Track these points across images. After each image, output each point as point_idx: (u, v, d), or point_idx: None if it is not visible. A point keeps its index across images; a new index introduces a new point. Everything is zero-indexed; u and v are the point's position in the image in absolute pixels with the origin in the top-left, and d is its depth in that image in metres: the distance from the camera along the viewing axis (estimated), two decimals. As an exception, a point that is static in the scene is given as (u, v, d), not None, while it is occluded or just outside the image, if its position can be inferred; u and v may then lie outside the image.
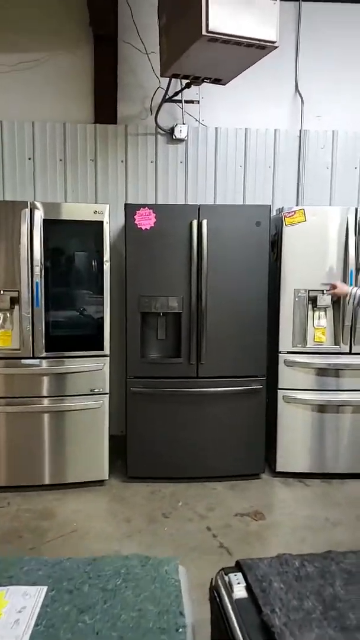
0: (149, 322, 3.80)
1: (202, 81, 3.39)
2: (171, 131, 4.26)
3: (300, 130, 4.40)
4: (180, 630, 1.17)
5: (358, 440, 3.81)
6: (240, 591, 1.29)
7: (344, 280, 3.67)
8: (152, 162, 4.32)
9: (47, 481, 3.66)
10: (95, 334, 3.62)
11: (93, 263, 3.66)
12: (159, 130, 4.27)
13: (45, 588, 1.31)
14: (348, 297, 3.35)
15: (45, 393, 3.59)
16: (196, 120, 4.35)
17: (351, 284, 3.64)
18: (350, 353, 3.73)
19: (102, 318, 3.61)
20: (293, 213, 3.67)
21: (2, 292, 3.46)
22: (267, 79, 4.28)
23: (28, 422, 3.59)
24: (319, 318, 3.75)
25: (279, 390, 3.80)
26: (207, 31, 2.61)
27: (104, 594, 1.29)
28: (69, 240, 3.71)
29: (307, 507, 3.43)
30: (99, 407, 3.66)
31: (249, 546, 3.04)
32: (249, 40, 2.72)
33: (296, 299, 3.71)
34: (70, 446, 3.66)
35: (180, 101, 4.24)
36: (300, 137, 4.40)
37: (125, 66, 4.27)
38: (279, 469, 3.87)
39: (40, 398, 3.59)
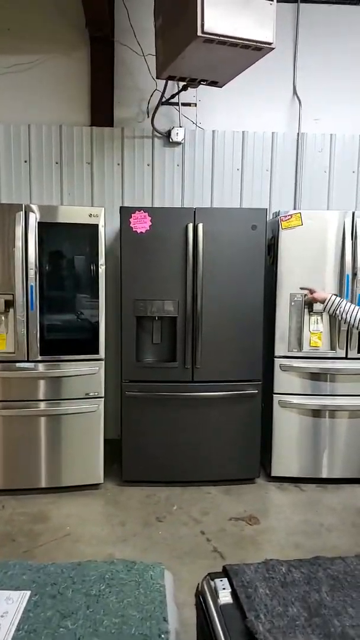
0: (145, 326, 3.78)
1: (199, 83, 3.39)
2: (168, 134, 4.26)
3: (298, 134, 4.40)
4: (163, 636, 1.16)
5: (354, 445, 3.79)
6: (225, 597, 1.28)
7: (340, 284, 3.66)
8: (148, 165, 4.31)
9: (42, 485, 3.64)
10: (91, 337, 3.61)
11: (88, 266, 3.65)
12: (156, 133, 4.27)
13: (28, 593, 1.30)
14: (326, 303, 3.13)
15: (40, 397, 3.58)
16: (193, 123, 4.35)
17: (347, 289, 3.63)
18: (346, 358, 3.72)
19: (97, 322, 3.60)
20: (289, 217, 3.66)
21: (-4, 295, 3.46)
22: (264, 82, 4.28)
23: (23, 425, 3.57)
24: (315, 322, 3.74)
25: (274, 395, 3.78)
26: (203, 32, 2.60)
27: (87, 599, 1.28)
28: (64, 244, 3.70)
29: (302, 512, 3.41)
30: (94, 411, 3.64)
31: (243, 551, 3.02)
32: (245, 42, 2.71)
33: (292, 303, 3.70)
34: (66, 450, 3.64)
35: (177, 104, 4.24)
36: (297, 140, 4.40)
37: (122, 68, 4.27)
38: (274, 473, 3.85)
39: (35, 402, 3.57)
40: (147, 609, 1.24)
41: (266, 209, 3.75)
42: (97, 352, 3.61)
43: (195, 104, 4.32)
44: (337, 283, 3.68)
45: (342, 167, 4.42)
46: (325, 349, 3.75)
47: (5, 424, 3.55)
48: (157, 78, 3.38)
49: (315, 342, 3.73)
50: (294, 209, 4.34)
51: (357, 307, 2.99)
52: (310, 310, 3.71)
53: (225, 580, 1.33)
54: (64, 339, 3.65)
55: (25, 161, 4.20)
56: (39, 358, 3.52)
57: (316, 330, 3.74)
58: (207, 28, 2.58)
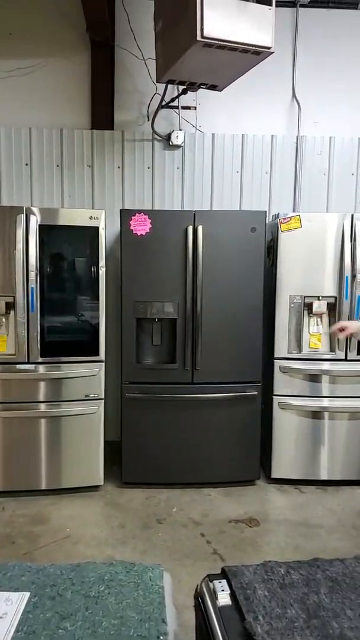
0: (145, 328, 3.79)
1: (198, 87, 3.41)
2: (168, 137, 4.28)
3: (297, 137, 4.41)
4: (162, 637, 1.16)
5: (353, 447, 3.80)
6: (224, 598, 1.29)
7: (339, 286, 3.67)
8: (148, 168, 4.33)
9: (42, 486, 3.64)
10: (91, 339, 3.62)
11: (89, 268, 3.67)
12: (156, 136, 4.28)
13: (27, 594, 1.31)
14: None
15: (40, 398, 3.59)
16: (193, 126, 4.36)
17: (346, 290, 3.64)
18: (345, 359, 3.72)
19: (97, 323, 3.61)
20: (289, 219, 3.67)
21: (-3, 297, 3.47)
22: (264, 85, 4.29)
23: (23, 427, 3.58)
24: (315, 324, 3.75)
25: (274, 397, 3.79)
26: (202, 37, 2.62)
27: (86, 600, 1.28)
28: (64, 246, 3.71)
29: (302, 514, 3.41)
30: (95, 412, 3.65)
31: (242, 553, 3.02)
32: (244, 46, 2.73)
33: (292, 305, 3.71)
34: (66, 451, 3.65)
35: (177, 107, 4.26)
36: (297, 143, 4.41)
37: (122, 72, 4.29)
38: (274, 475, 3.85)
39: (36, 403, 3.58)
40: (146, 611, 1.24)
41: (265, 212, 3.76)
42: (97, 353, 3.62)
43: (195, 107, 4.34)
44: (336, 285, 3.69)
45: (341, 169, 4.43)
46: (324, 351, 3.76)
47: (6, 426, 3.56)
48: (157, 82, 3.40)
49: (315, 343, 3.74)
50: (293, 211, 4.35)
51: None
52: (310, 312, 3.72)
53: (224, 581, 1.34)
54: (65, 341, 3.66)
55: (27, 164, 4.22)
56: (40, 360, 3.53)
57: (316, 332, 3.75)
58: (206, 32, 2.60)
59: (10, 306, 3.48)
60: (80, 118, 4.30)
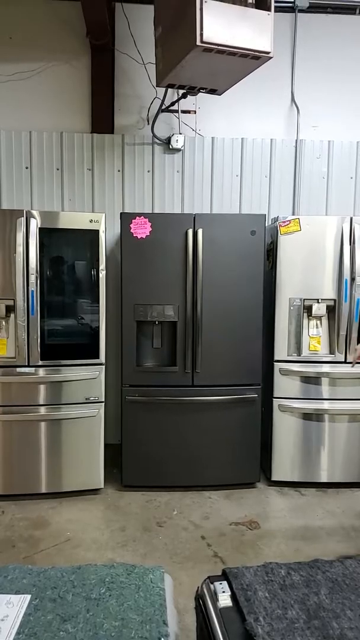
0: (145, 331, 3.80)
1: (198, 91, 3.42)
2: (168, 141, 4.29)
3: (296, 140, 4.43)
4: (162, 639, 1.16)
5: (353, 449, 3.80)
6: (225, 600, 1.29)
7: (339, 289, 3.68)
8: (148, 171, 4.34)
9: (42, 490, 3.64)
10: (91, 342, 3.63)
11: (89, 272, 3.68)
12: (156, 140, 4.30)
13: (28, 597, 1.31)
14: None
15: (40, 401, 3.59)
16: (193, 130, 4.38)
17: (346, 293, 3.65)
18: (345, 362, 3.73)
19: (97, 326, 3.62)
20: (288, 222, 3.69)
21: (-3, 300, 3.48)
22: (263, 89, 4.32)
23: (24, 430, 3.58)
24: (315, 327, 3.76)
25: (274, 399, 3.79)
26: (202, 41, 2.64)
27: (87, 602, 1.28)
28: (65, 249, 3.72)
29: (303, 517, 3.41)
30: (95, 415, 3.65)
31: (243, 555, 3.02)
32: (243, 51, 2.75)
33: (291, 308, 3.72)
34: (66, 455, 3.65)
35: (176, 111, 4.28)
36: (296, 147, 4.43)
37: (122, 76, 4.31)
38: (274, 477, 3.85)
39: (36, 407, 3.58)
40: (147, 612, 1.25)
41: (265, 215, 3.77)
42: (97, 356, 3.62)
43: (195, 111, 4.36)
44: (335, 288, 3.70)
45: (340, 173, 4.45)
46: (324, 353, 3.76)
47: (6, 429, 3.56)
48: (157, 86, 3.41)
49: (315, 346, 3.75)
50: (293, 214, 4.37)
51: None
52: (309, 315, 3.73)
53: (224, 583, 1.34)
54: (65, 344, 3.66)
55: (27, 167, 4.23)
56: (40, 363, 3.53)
57: (315, 334, 3.76)
58: (206, 37, 2.61)
59: (10, 309, 3.49)
60: (81, 122, 4.32)
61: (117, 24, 4.24)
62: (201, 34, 2.62)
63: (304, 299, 3.71)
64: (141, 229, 3.61)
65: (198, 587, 1.38)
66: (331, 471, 3.82)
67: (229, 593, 1.31)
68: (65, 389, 3.60)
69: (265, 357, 3.81)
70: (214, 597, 1.30)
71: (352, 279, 3.67)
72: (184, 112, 4.32)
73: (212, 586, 1.34)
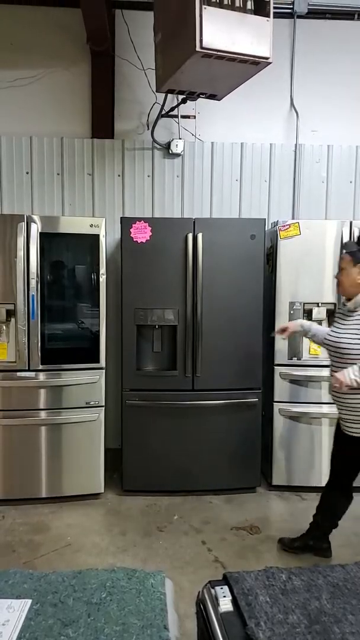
0: (145, 335, 3.80)
1: (198, 96, 3.44)
2: (167, 146, 4.31)
3: (296, 145, 4.45)
4: (163, 644, 1.16)
5: (354, 454, 3.79)
6: (226, 604, 1.29)
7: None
8: (148, 176, 4.35)
9: (42, 494, 3.64)
10: (91, 346, 3.63)
11: (89, 276, 3.69)
12: (156, 145, 4.32)
13: (29, 601, 1.31)
14: (301, 329, 3.11)
15: (41, 406, 3.59)
16: (192, 135, 4.40)
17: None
18: (345, 366, 3.73)
19: (97, 330, 3.62)
20: (288, 226, 3.70)
21: (-2, 304, 3.48)
22: (262, 94, 4.33)
23: (24, 435, 3.58)
24: (315, 331, 3.75)
25: (274, 403, 3.79)
26: (201, 47, 2.65)
27: (88, 607, 1.28)
28: (65, 254, 3.74)
29: (303, 521, 3.39)
30: (95, 419, 3.65)
31: (244, 560, 3.01)
32: (242, 56, 2.76)
33: (291, 312, 3.72)
34: (66, 459, 3.65)
35: (176, 116, 4.29)
36: (295, 151, 4.44)
37: (122, 82, 4.33)
38: (275, 482, 3.85)
39: (36, 411, 3.58)
40: (147, 617, 1.25)
41: (265, 219, 3.78)
42: (97, 360, 3.63)
43: (195, 117, 4.38)
44: (335, 291, 3.69)
45: (339, 177, 4.46)
46: (324, 357, 3.74)
47: (6, 433, 3.56)
48: (157, 91, 3.42)
49: (315, 350, 3.75)
50: (292, 218, 4.37)
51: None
52: (310, 319, 3.72)
53: (225, 587, 1.34)
54: (65, 348, 3.67)
55: (27, 172, 4.25)
56: (40, 367, 3.54)
57: (316, 339, 3.76)
58: (205, 43, 2.62)
59: (11, 314, 3.50)
60: (81, 127, 4.33)
61: (117, 30, 4.26)
62: (201, 40, 2.63)
63: (304, 303, 3.72)
64: (141, 234, 3.62)
65: (199, 592, 1.38)
66: (332, 475, 3.81)
67: (230, 598, 1.30)
68: (65, 393, 3.60)
69: (265, 361, 3.81)
70: (215, 602, 1.30)
71: (352, 283, 3.67)
72: (183, 117, 4.34)
73: (213, 591, 1.34)
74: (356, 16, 4.44)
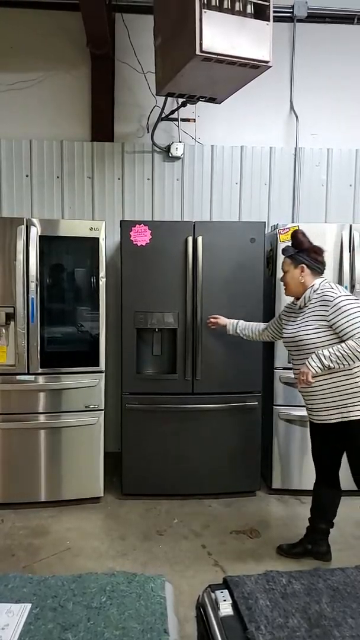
0: (145, 338, 3.80)
1: (198, 100, 3.44)
2: (167, 149, 4.32)
3: (296, 148, 4.46)
4: (164, 648, 1.15)
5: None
6: (226, 608, 1.28)
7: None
8: (148, 179, 4.36)
9: (42, 498, 3.63)
10: (91, 350, 3.63)
11: (89, 279, 3.68)
12: (156, 148, 4.32)
13: (29, 605, 1.30)
14: (229, 326, 3.41)
15: (40, 409, 3.58)
16: (192, 138, 4.41)
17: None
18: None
19: (97, 334, 3.62)
20: (288, 230, 3.69)
21: (-3, 308, 3.48)
22: (262, 98, 4.34)
23: (23, 438, 3.57)
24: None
25: (274, 407, 3.79)
26: (201, 51, 2.66)
27: (88, 611, 1.28)
28: (65, 257, 3.73)
29: (303, 525, 3.38)
30: (95, 423, 3.64)
31: (244, 564, 3.00)
32: (242, 60, 2.77)
33: (291, 315, 3.71)
34: (66, 463, 3.64)
35: (176, 119, 4.30)
36: (295, 154, 4.45)
37: (122, 85, 4.35)
38: (274, 486, 3.84)
39: (35, 414, 3.57)
40: (148, 621, 1.24)
41: (265, 222, 3.79)
42: (97, 364, 3.62)
43: (195, 120, 4.39)
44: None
45: (339, 180, 4.48)
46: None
47: (5, 437, 3.55)
48: (157, 94, 3.43)
49: (315, 354, 3.74)
50: (292, 222, 4.38)
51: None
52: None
53: (225, 591, 1.34)
54: (65, 351, 3.66)
55: (27, 175, 4.26)
56: (40, 370, 3.53)
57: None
58: (205, 47, 2.63)
59: (10, 317, 3.49)
60: (81, 130, 4.34)
61: (117, 33, 4.28)
62: (201, 44, 2.64)
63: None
64: (141, 237, 3.62)
65: (199, 596, 1.38)
66: (332, 479, 3.80)
67: (230, 602, 1.30)
68: (65, 397, 3.59)
69: (265, 364, 3.81)
70: (215, 606, 1.29)
71: (352, 286, 3.68)
72: (183, 120, 4.35)
73: (213, 595, 1.34)
74: (356, 20, 4.46)
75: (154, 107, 4.26)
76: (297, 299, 2.92)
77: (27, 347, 3.50)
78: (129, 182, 4.36)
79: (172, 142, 4.32)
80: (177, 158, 4.35)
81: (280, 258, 3.71)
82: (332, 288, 2.78)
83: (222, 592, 1.34)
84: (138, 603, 1.31)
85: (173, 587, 1.46)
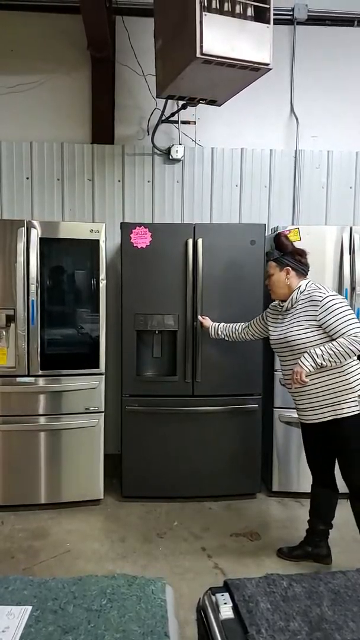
0: (145, 340, 3.80)
1: (198, 102, 3.45)
2: (168, 151, 4.32)
3: (296, 151, 4.46)
4: (164, 651, 1.15)
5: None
6: (227, 611, 1.28)
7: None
8: (148, 181, 4.37)
9: (42, 500, 3.62)
10: (91, 352, 3.63)
11: (89, 281, 3.69)
12: (156, 150, 4.33)
13: (29, 608, 1.30)
14: (210, 329, 3.47)
15: (40, 411, 3.58)
16: (192, 140, 4.41)
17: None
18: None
19: (97, 336, 3.62)
20: (288, 232, 3.69)
21: (-3, 310, 3.48)
22: (262, 100, 4.35)
23: (23, 440, 3.57)
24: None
25: (274, 409, 3.78)
26: (202, 53, 2.66)
27: (88, 614, 1.27)
28: (65, 259, 3.73)
29: (304, 528, 3.38)
30: (95, 425, 3.64)
31: (244, 567, 3.00)
32: (242, 63, 2.77)
33: (291, 317, 3.71)
34: (65, 465, 3.63)
35: (176, 122, 4.31)
36: (295, 157, 4.46)
37: (123, 88, 4.35)
38: (275, 488, 3.84)
39: (36, 416, 3.57)
40: (148, 624, 1.24)
41: (265, 225, 3.79)
42: (97, 366, 3.62)
43: (195, 122, 4.40)
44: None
45: (339, 182, 4.48)
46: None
47: (5, 439, 3.55)
48: (157, 97, 3.44)
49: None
50: (293, 224, 4.38)
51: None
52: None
53: (226, 594, 1.33)
54: (65, 354, 3.66)
55: (27, 178, 4.26)
56: (40, 372, 3.53)
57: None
58: (205, 49, 2.63)
59: (10, 319, 3.49)
60: (81, 132, 4.35)
61: (118, 36, 4.29)
62: (201, 46, 2.64)
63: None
64: (141, 239, 3.62)
65: (199, 599, 1.37)
66: (332, 481, 3.79)
67: (231, 605, 1.30)
68: (65, 399, 3.59)
69: (265, 366, 3.81)
70: (216, 609, 1.29)
71: (352, 289, 3.68)
72: (183, 122, 4.35)
73: (213, 597, 1.33)
74: (356, 22, 4.47)
75: (154, 109, 4.27)
76: (283, 301, 2.94)
77: (27, 349, 3.50)
78: (129, 184, 4.36)
79: (173, 145, 4.32)
80: (178, 160, 4.36)
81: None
82: (320, 288, 2.83)
83: (222, 595, 1.33)
84: (138, 606, 1.30)
85: (173, 589, 1.45)
